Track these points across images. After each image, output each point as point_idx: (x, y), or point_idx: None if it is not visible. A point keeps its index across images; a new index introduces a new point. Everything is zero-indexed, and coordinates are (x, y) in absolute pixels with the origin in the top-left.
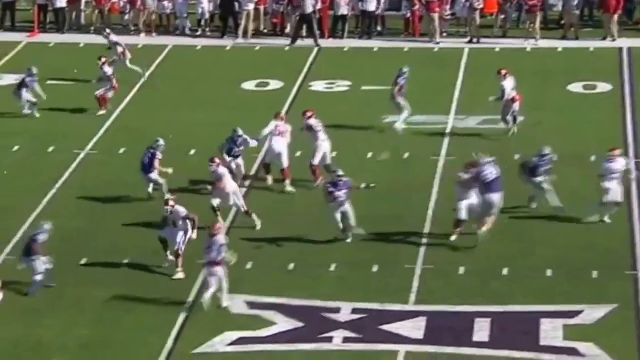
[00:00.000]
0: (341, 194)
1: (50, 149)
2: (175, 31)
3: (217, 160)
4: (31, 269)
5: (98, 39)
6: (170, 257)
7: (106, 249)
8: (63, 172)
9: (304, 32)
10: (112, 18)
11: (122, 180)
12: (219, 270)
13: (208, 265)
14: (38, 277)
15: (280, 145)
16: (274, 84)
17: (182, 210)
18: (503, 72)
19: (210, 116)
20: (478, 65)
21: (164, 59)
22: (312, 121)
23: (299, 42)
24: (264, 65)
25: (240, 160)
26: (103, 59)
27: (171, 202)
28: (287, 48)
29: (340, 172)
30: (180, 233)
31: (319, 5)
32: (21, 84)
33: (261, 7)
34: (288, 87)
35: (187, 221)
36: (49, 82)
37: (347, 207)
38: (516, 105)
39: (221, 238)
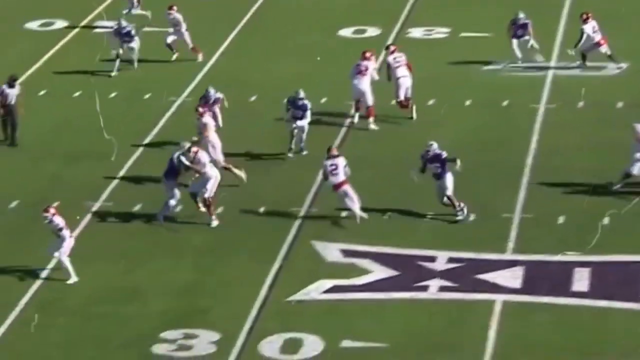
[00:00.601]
0: None
1: (147, 96)
2: None
3: (200, 110)
4: (168, 191)
5: None
6: (203, 209)
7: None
8: (159, 119)
9: None
10: None
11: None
12: (349, 188)
13: (339, 187)
14: (172, 202)
15: (364, 84)
16: (371, 31)
17: (205, 156)
18: (584, 15)
19: (306, 65)
20: (581, 10)
21: (261, 6)
22: (390, 58)
23: None
24: (361, 12)
25: (302, 123)
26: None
27: (194, 149)
28: None
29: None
30: (211, 181)
31: None
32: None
33: None
34: (385, 34)
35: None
36: (146, 29)
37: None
38: (603, 49)
39: (342, 159)
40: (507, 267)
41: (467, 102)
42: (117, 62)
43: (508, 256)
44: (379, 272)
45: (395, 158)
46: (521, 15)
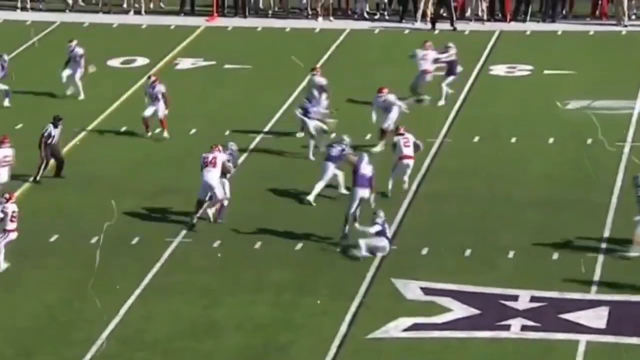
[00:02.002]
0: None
1: (227, 132)
2: (353, 15)
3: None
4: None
5: (276, 23)
6: (211, 212)
7: (281, 232)
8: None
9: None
10: (291, 2)
11: (295, 165)
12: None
13: (406, 158)
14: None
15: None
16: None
17: (225, 156)
18: None
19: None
20: None
21: (341, 43)
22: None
23: (479, 25)
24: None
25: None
26: (153, 77)
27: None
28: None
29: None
30: (227, 183)
31: None
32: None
33: None
34: (468, 71)
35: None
36: (226, 66)
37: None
38: None
39: (411, 135)
40: (591, 306)
41: (551, 140)
42: None
43: (592, 296)
44: (460, 310)
45: (479, 193)
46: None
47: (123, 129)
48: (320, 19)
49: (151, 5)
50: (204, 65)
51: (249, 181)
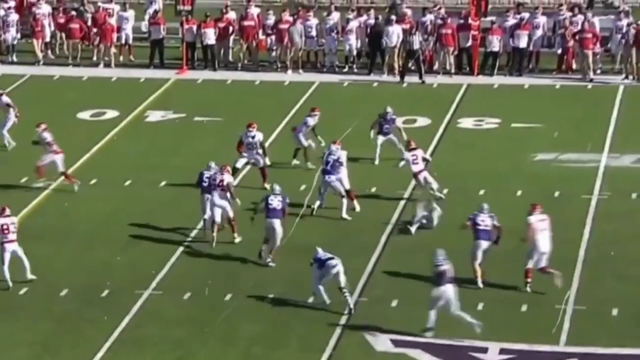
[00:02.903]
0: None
1: None
2: (322, 68)
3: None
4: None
5: (245, 76)
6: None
7: (251, 285)
8: None
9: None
10: (260, 55)
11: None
12: (427, 174)
13: (419, 174)
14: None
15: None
16: (422, 121)
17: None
18: None
19: (359, 152)
20: (635, 102)
21: (311, 95)
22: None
23: (446, 79)
24: (412, 102)
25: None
26: (43, 126)
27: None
28: (404, 84)
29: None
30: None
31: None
32: None
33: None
34: (436, 123)
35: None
36: (196, 118)
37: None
38: None
39: (420, 150)
40: (561, 359)
41: (519, 193)
42: None
43: (561, 348)
44: None
45: (448, 245)
46: (388, 109)
47: (93, 181)
48: (289, 71)
49: (121, 58)
50: (174, 117)
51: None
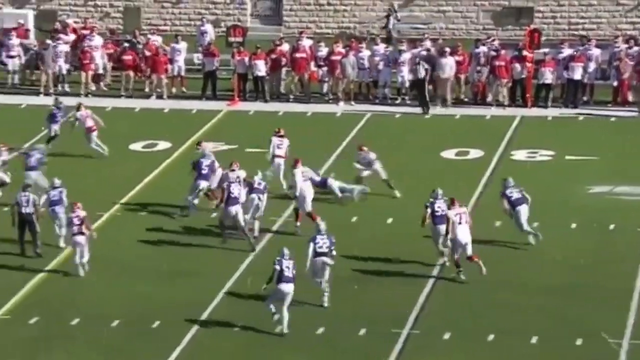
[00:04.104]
0: None
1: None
2: (375, 99)
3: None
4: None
5: (297, 107)
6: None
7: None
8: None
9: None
10: (312, 87)
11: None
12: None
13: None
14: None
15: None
16: (474, 153)
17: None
18: None
19: (410, 185)
20: None
21: (363, 127)
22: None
23: (499, 110)
24: (464, 134)
25: None
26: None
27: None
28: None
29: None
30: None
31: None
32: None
33: (462, 76)
34: (489, 156)
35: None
36: (247, 149)
37: None
38: None
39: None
40: None
41: (573, 225)
42: None
43: None
44: None
45: (500, 279)
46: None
47: (143, 213)
48: (341, 103)
49: (173, 90)
50: (225, 149)
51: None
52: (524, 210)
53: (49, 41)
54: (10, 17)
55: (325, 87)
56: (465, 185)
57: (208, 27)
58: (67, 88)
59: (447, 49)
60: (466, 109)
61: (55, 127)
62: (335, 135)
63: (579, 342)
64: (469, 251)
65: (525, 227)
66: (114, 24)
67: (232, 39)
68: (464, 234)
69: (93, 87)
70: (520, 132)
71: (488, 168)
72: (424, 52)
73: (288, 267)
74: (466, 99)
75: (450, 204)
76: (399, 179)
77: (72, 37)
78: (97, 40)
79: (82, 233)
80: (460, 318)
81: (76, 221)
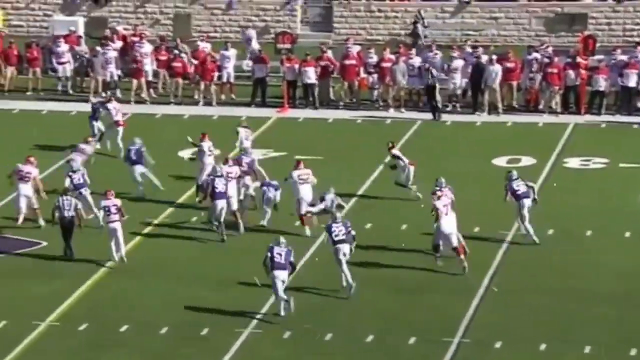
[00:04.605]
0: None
1: (297, 223)
2: (424, 106)
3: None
4: None
5: (347, 114)
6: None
7: (345, 321)
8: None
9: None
10: (361, 93)
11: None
12: None
13: None
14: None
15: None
16: (526, 161)
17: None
18: None
19: (461, 193)
20: None
21: (413, 133)
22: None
23: (552, 118)
24: (516, 141)
25: None
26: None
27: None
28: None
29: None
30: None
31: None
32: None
33: (514, 83)
34: (541, 163)
35: None
36: (297, 156)
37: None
38: None
39: None
40: None
41: (627, 234)
42: None
43: None
44: None
45: (552, 287)
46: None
47: (194, 218)
48: (391, 110)
49: (222, 97)
50: (274, 156)
51: (321, 270)
52: (527, 203)
53: (98, 48)
54: (61, 25)
55: (375, 94)
56: None
57: (252, 34)
58: (118, 94)
59: (494, 57)
60: (518, 116)
61: (98, 124)
62: (385, 143)
63: (633, 352)
64: (454, 242)
65: (527, 221)
66: (164, 30)
67: (280, 46)
68: (448, 224)
69: (143, 94)
70: (573, 139)
71: (540, 176)
72: (474, 59)
73: (280, 254)
74: (518, 106)
75: (439, 195)
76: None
77: (119, 44)
78: (147, 48)
79: (117, 221)
80: (512, 327)
81: (114, 210)
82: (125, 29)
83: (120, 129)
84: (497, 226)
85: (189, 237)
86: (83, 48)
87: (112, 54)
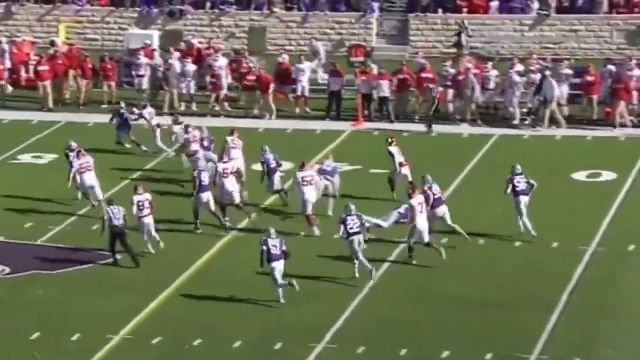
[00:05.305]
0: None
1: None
2: (503, 120)
3: None
4: None
5: (422, 128)
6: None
7: (427, 337)
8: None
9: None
10: (439, 107)
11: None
12: None
13: None
14: None
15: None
16: (606, 175)
17: None
18: None
19: (539, 207)
20: None
21: (490, 148)
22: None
23: (634, 131)
24: (596, 155)
25: None
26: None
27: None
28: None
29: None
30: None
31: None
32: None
33: (594, 97)
34: (622, 178)
35: None
36: (372, 170)
37: None
38: None
39: None
40: None
41: None
42: None
43: None
44: None
45: (631, 305)
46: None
47: (272, 230)
48: (466, 124)
49: (297, 110)
50: (349, 169)
51: (395, 285)
52: (524, 200)
53: (172, 61)
54: (136, 38)
55: (451, 107)
56: (597, 208)
57: (318, 46)
58: (194, 108)
59: (548, 72)
60: (598, 130)
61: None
62: (462, 157)
63: None
64: (426, 238)
65: (525, 217)
66: (239, 44)
67: (353, 59)
68: (423, 222)
69: (218, 107)
70: None
71: (621, 191)
72: (547, 73)
73: (275, 245)
74: (598, 120)
75: (412, 192)
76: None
77: (189, 58)
78: (222, 61)
79: (150, 214)
80: (591, 344)
81: (147, 204)
82: (200, 42)
83: (158, 131)
84: (576, 241)
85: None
86: (157, 61)
87: (190, 68)
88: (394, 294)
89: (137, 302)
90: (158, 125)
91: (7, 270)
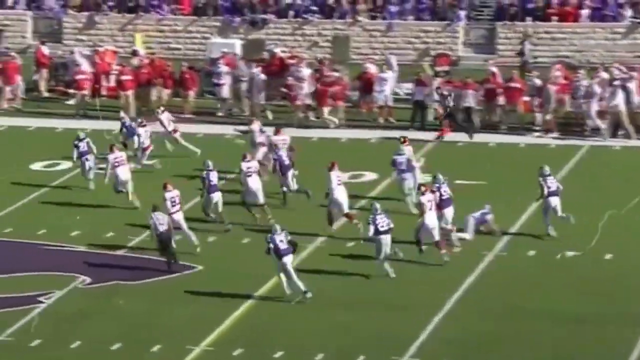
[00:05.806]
0: None
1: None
2: (591, 131)
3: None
4: None
5: (509, 139)
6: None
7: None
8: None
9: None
10: (525, 117)
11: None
12: None
13: None
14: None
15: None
16: None
17: None
18: None
19: (632, 222)
20: None
21: (579, 160)
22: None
23: None
24: None
25: None
26: None
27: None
28: None
29: None
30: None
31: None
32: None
33: None
34: None
35: None
36: (457, 181)
37: None
38: None
39: None
40: None
41: None
42: None
43: None
44: None
45: None
46: None
47: (350, 244)
48: (554, 134)
49: (380, 120)
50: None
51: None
52: (554, 202)
53: (253, 70)
54: (219, 47)
55: (539, 118)
56: None
57: (392, 60)
58: (269, 116)
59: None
60: None
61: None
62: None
63: None
64: (436, 236)
65: (560, 212)
66: (322, 53)
67: (437, 68)
68: (432, 219)
69: (302, 117)
70: None
71: None
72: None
73: (282, 240)
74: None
75: (424, 190)
76: (618, 215)
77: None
78: (305, 72)
79: (179, 211)
80: None
81: (177, 200)
82: (282, 52)
83: (178, 134)
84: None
85: (346, 262)
86: (240, 70)
87: (262, 77)
88: (485, 306)
89: (219, 313)
90: (175, 131)
91: (88, 280)
